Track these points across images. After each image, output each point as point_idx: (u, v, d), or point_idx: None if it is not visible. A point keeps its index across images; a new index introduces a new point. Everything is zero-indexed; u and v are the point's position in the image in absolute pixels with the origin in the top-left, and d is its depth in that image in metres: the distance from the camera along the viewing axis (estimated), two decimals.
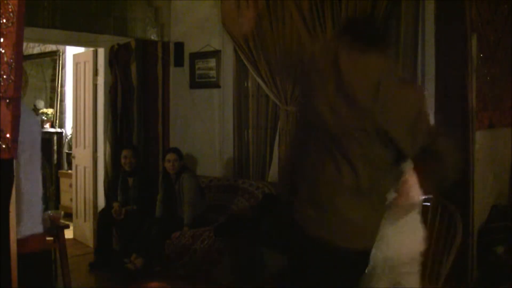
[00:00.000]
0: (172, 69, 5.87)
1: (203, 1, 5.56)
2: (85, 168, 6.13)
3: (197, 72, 5.68)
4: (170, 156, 5.01)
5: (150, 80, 5.82)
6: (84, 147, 6.13)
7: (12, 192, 1.94)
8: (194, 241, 4.57)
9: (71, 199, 6.57)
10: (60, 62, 7.73)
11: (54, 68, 7.83)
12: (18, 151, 1.94)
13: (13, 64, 1.84)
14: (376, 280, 2.28)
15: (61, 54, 7.69)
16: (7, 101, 1.85)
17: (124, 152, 5.37)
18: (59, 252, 4.30)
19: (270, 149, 5.10)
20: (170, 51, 5.83)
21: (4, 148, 1.85)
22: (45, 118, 7.61)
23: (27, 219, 2.40)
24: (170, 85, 5.89)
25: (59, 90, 7.77)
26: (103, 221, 5.29)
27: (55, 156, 7.60)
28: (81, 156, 6.20)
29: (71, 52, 7.20)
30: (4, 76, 1.83)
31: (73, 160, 6.44)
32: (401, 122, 2.11)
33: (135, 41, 5.69)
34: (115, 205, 5.24)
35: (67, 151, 7.56)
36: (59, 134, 7.66)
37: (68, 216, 6.78)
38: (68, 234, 5.20)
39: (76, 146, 6.37)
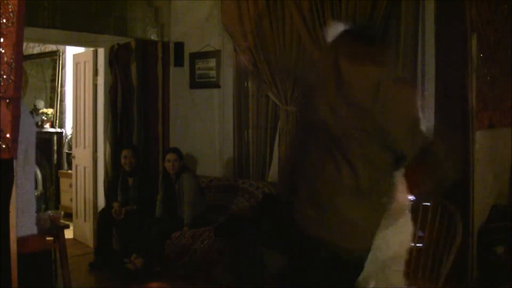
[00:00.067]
0: (172, 69, 5.87)
1: (203, 1, 5.57)
2: (85, 168, 6.13)
3: (197, 72, 5.68)
4: (170, 156, 5.01)
5: (150, 80, 5.82)
6: (84, 147, 6.13)
7: (12, 192, 1.94)
8: (194, 241, 4.57)
9: (71, 199, 6.57)
10: (60, 62, 7.73)
11: (54, 68, 7.83)
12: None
13: (13, 64, 1.84)
14: (367, 279, 2.29)
15: (61, 54, 7.69)
16: (7, 101, 1.85)
17: (124, 152, 5.37)
18: (59, 252, 4.30)
19: (270, 149, 5.10)
20: (170, 51, 5.83)
21: (4, 148, 1.85)
22: (45, 118, 7.61)
23: (23, 220, 2.41)
24: (170, 85, 5.90)
25: (59, 90, 7.77)
26: (103, 221, 5.29)
27: (55, 156, 7.60)
28: (81, 156, 6.20)
29: (71, 52, 7.20)
30: (4, 76, 1.83)
31: (73, 160, 6.44)
32: (402, 122, 2.13)
33: (135, 41, 5.69)
34: (115, 205, 5.24)
35: (67, 151, 7.56)
36: (59, 134, 7.66)
37: (68, 216, 6.78)
38: (68, 234, 5.19)
39: (76, 146, 6.37)
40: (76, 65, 6.33)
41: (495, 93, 3.97)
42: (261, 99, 5.14)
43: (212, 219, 4.86)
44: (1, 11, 1.81)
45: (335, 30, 2.35)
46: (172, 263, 4.68)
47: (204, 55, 5.57)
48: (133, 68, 5.73)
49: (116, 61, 5.77)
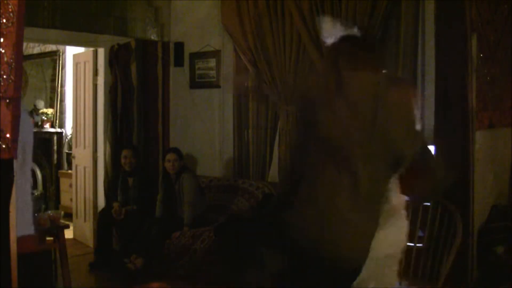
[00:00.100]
0: (172, 69, 5.87)
1: (203, 1, 5.57)
2: (85, 168, 6.13)
3: (197, 72, 5.68)
4: (170, 156, 5.01)
5: (150, 80, 5.82)
6: (84, 147, 6.13)
7: (12, 192, 1.94)
8: (194, 241, 4.57)
9: (71, 199, 6.57)
10: (60, 62, 7.73)
11: (54, 68, 7.83)
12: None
13: (13, 64, 1.84)
14: (367, 280, 2.30)
15: (61, 54, 7.69)
16: (7, 101, 1.85)
17: (124, 152, 5.37)
18: (59, 252, 4.30)
19: (270, 149, 5.10)
20: (170, 51, 5.83)
21: (4, 148, 1.85)
22: (45, 118, 7.61)
23: (21, 220, 2.40)
24: (170, 85, 5.90)
25: (59, 90, 7.77)
26: (103, 221, 5.29)
27: (55, 156, 7.60)
28: (81, 156, 6.20)
29: (71, 52, 7.20)
30: (4, 76, 1.83)
31: (73, 160, 6.44)
32: (402, 122, 2.14)
33: (135, 41, 5.69)
34: (115, 205, 5.24)
35: (67, 151, 7.56)
36: (59, 134, 7.67)
37: (68, 216, 6.78)
38: (68, 234, 5.20)
39: (76, 146, 6.37)
40: (76, 65, 6.33)
41: (495, 93, 3.97)
42: (261, 99, 5.14)
43: (212, 219, 4.86)
44: (1, 11, 1.81)
45: (333, 31, 2.37)
46: (172, 263, 4.68)
47: (204, 55, 5.57)
48: (133, 68, 5.73)
49: (116, 61, 5.77)
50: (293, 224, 2.18)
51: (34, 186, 7.43)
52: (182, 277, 4.56)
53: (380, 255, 2.31)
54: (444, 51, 3.78)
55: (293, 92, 4.78)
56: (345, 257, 2.14)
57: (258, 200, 4.78)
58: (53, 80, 7.87)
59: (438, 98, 3.82)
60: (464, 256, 3.58)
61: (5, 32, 1.83)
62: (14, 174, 1.95)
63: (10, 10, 1.83)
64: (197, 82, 5.69)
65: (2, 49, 1.83)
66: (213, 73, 5.54)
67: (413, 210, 3.40)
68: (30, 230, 2.48)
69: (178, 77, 5.83)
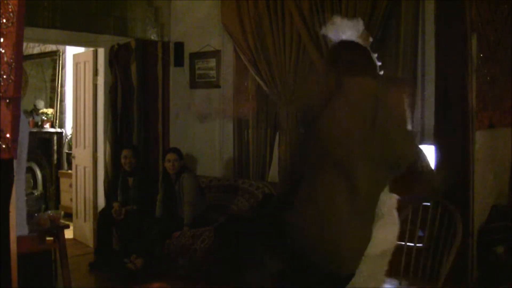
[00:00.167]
0: (172, 69, 5.87)
1: (203, 1, 5.57)
2: (85, 168, 6.13)
3: (197, 72, 5.68)
4: (170, 156, 5.01)
5: (150, 80, 5.82)
6: (84, 147, 6.13)
7: (12, 192, 1.94)
8: (194, 241, 4.58)
9: (71, 199, 6.57)
10: (60, 62, 7.73)
11: (54, 68, 7.83)
12: None
13: (13, 64, 1.84)
14: (367, 280, 2.30)
15: (61, 54, 7.69)
16: (7, 101, 1.84)
17: (124, 152, 5.37)
18: (59, 252, 4.30)
19: (270, 149, 5.10)
20: (170, 51, 5.83)
21: (4, 148, 1.85)
22: (45, 118, 7.61)
23: (17, 220, 2.40)
24: (170, 85, 5.90)
25: (59, 90, 7.78)
26: (103, 221, 5.29)
27: (55, 156, 7.60)
28: (81, 156, 6.20)
29: (71, 52, 7.21)
30: (4, 76, 1.82)
31: (73, 160, 6.44)
32: (401, 123, 2.15)
33: (135, 41, 5.69)
34: (115, 205, 5.24)
35: (67, 151, 7.56)
36: (59, 134, 7.67)
37: (68, 216, 6.78)
38: (68, 234, 5.20)
39: (76, 146, 6.37)
40: (76, 65, 6.33)
41: (495, 93, 3.97)
42: (261, 99, 5.14)
43: (212, 219, 4.86)
44: (1, 11, 1.81)
45: (337, 30, 2.39)
46: (172, 263, 4.68)
47: (204, 55, 5.57)
48: (133, 68, 5.74)
49: (116, 61, 5.77)
50: (293, 224, 2.18)
51: (34, 186, 7.44)
52: (182, 277, 4.56)
53: (373, 253, 2.32)
54: (444, 51, 3.78)
55: (293, 92, 4.78)
56: (343, 258, 2.14)
57: (258, 200, 4.78)
58: (53, 80, 7.87)
59: (438, 98, 3.82)
60: (464, 256, 3.58)
61: (5, 32, 1.82)
62: (15, 174, 1.95)
63: (10, 10, 1.83)
64: (197, 82, 5.69)
65: (2, 49, 1.83)
66: (213, 73, 5.54)
67: (413, 210, 3.41)
68: (23, 231, 2.48)
69: (178, 77, 5.83)
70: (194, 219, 4.84)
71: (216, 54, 5.49)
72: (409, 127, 2.23)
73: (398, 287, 3.25)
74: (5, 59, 1.83)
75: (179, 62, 5.78)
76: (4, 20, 1.82)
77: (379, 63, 2.86)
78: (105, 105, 5.84)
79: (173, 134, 5.92)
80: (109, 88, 5.83)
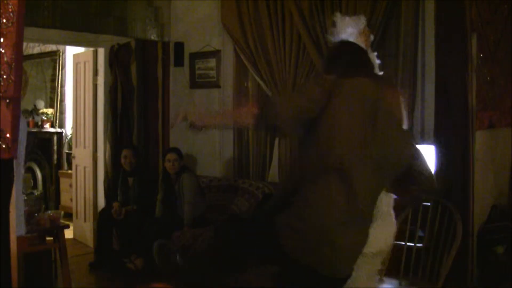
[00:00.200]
0: (172, 69, 5.86)
1: (203, 1, 5.57)
2: (85, 168, 6.13)
3: (197, 72, 5.68)
4: (170, 156, 5.01)
5: (150, 80, 5.82)
6: (84, 147, 6.13)
7: (12, 192, 1.94)
8: (194, 241, 4.57)
9: (71, 199, 6.58)
10: (60, 62, 7.73)
11: (54, 68, 7.83)
12: None
13: (13, 64, 1.84)
14: (367, 280, 2.31)
15: (61, 54, 7.70)
16: (7, 101, 1.85)
17: (124, 152, 5.37)
18: (59, 252, 4.31)
19: (270, 149, 5.09)
20: (170, 51, 5.83)
21: (4, 148, 1.85)
22: (45, 118, 7.62)
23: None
24: (170, 85, 5.89)
25: (59, 90, 7.78)
26: (103, 221, 5.29)
27: (55, 156, 7.60)
28: (81, 156, 6.20)
29: (71, 52, 7.21)
30: (4, 76, 1.83)
31: (73, 160, 6.44)
32: (399, 123, 2.17)
33: (135, 41, 5.69)
34: (115, 205, 5.24)
35: (67, 151, 7.56)
36: (59, 134, 7.67)
37: (68, 216, 6.79)
38: (68, 234, 5.20)
39: (76, 146, 6.37)
40: (76, 65, 6.33)
41: (495, 93, 3.97)
42: (261, 99, 5.13)
43: (212, 219, 4.86)
44: (1, 11, 1.81)
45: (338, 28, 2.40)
46: (172, 263, 4.67)
47: (204, 55, 5.57)
48: (133, 68, 5.74)
49: (116, 61, 5.77)
50: (291, 226, 2.18)
51: (34, 186, 7.43)
52: (182, 277, 4.56)
53: (367, 253, 2.32)
54: (444, 51, 3.78)
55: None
56: (341, 261, 2.14)
57: (258, 200, 4.78)
58: (53, 80, 7.87)
59: (438, 98, 3.82)
60: (464, 256, 3.58)
61: (5, 32, 1.83)
62: (14, 174, 1.95)
63: (10, 10, 1.83)
64: (197, 82, 5.69)
65: (2, 49, 1.83)
66: (213, 73, 5.54)
67: (413, 210, 3.41)
68: (20, 231, 2.48)
69: (178, 77, 5.83)
70: (194, 219, 4.84)
71: (216, 54, 5.49)
72: (404, 127, 2.24)
73: (398, 287, 3.25)
74: (5, 59, 1.84)
75: (179, 62, 5.78)
76: (4, 20, 1.82)
77: (378, 61, 2.88)
78: (105, 105, 5.84)
79: (173, 134, 5.91)
80: (109, 88, 5.83)
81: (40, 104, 7.83)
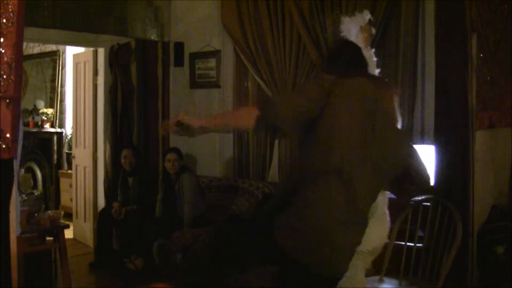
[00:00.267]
0: (172, 69, 5.86)
1: (203, 1, 5.57)
2: (85, 168, 6.13)
3: (197, 72, 5.68)
4: (170, 156, 5.01)
5: (150, 80, 5.82)
6: (84, 147, 6.13)
7: (12, 192, 1.95)
8: (194, 241, 4.57)
9: (71, 199, 6.58)
10: (60, 62, 7.73)
11: (54, 68, 7.83)
12: None
13: (13, 64, 1.85)
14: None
15: (61, 54, 7.70)
16: (7, 101, 1.85)
17: (124, 152, 5.37)
18: (59, 252, 4.31)
19: (270, 149, 5.09)
20: (170, 51, 5.83)
21: (4, 148, 1.86)
22: (45, 118, 7.62)
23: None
24: (170, 85, 5.89)
25: (59, 90, 7.78)
26: (103, 221, 5.29)
27: (55, 156, 7.60)
28: (81, 156, 6.20)
29: (71, 52, 7.21)
30: (4, 76, 1.83)
31: (73, 160, 6.44)
32: (396, 123, 2.18)
33: (135, 41, 5.69)
34: (115, 205, 5.24)
35: (67, 151, 7.56)
36: (59, 134, 7.67)
37: (68, 216, 6.79)
38: (68, 234, 5.20)
39: (76, 146, 6.37)
40: (76, 65, 6.33)
41: (495, 93, 3.97)
42: (261, 99, 5.13)
43: (212, 219, 4.86)
44: (1, 11, 1.81)
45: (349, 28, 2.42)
46: (172, 263, 4.67)
47: (204, 55, 5.57)
48: (133, 68, 5.74)
49: (116, 61, 5.77)
50: (291, 226, 2.18)
51: (34, 186, 7.43)
52: (182, 277, 4.56)
53: (363, 250, 2.33)
54: (444, 51, 3.78)
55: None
56: (339, 261, 2.15)
57: (258, 200, 4.78)
58: (53, 80, 7.87)
59: (438, 98, 3.82)
60: (464, 256, 3.58)
61: (5, 32, 1.83)
62: (14, 174, 1.95)
63: (10, 10, 1.83)
64: (197, 82, 5.69)
65: (2, 49, 1.83)
66: (213, 73, 5.54)
67: (413, 210, 3.41)
68: (16, 231, 2.48)
69: (178, 77, 5.83)
70: (194, 219, 4.84)
71: (216, 54, 5.49)
72: (399, 126, 2.25)
73: (398, 287, 3.25)
74: (5, 59, 1.84)
75: (179, 62, 5.78)
76: (4, 20, 1.82)
77: (375, 59, 2.88)
78: (105, 105, 5.84)
79: (173, 134, 5.91)
80: (109, 88, 5.83)
81: (40, 104, 7.83)
